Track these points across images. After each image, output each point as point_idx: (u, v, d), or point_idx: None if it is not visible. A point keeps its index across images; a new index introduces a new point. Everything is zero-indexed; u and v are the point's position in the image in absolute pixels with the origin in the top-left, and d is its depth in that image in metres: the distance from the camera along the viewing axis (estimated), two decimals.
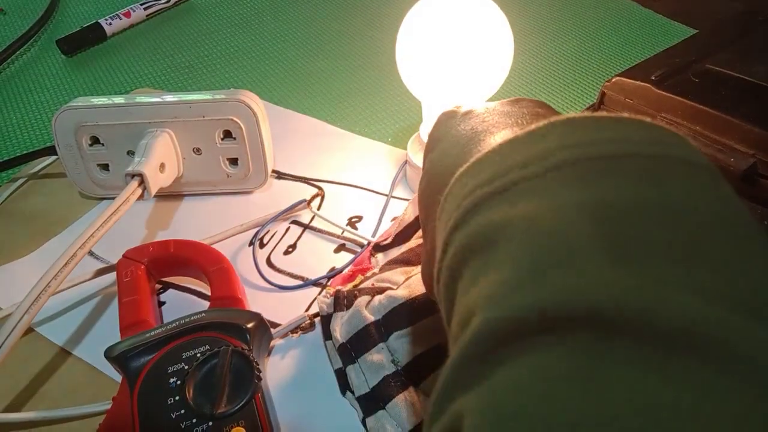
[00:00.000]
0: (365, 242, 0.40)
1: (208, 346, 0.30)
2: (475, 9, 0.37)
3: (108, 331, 0.35)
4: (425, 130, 0.42)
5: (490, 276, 0.15)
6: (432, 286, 0.24)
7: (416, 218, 0.38)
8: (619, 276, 0.13)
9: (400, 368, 0.31)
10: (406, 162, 0.44)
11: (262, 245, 0.41)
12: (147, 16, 0.68)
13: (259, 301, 0.37)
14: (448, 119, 0.27)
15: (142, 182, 0.38)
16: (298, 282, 0.38)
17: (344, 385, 0.32)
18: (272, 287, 0.38)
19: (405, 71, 0.40)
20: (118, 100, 0.41)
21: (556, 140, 0.17)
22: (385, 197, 0.43)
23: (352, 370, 0.31)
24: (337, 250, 0.40)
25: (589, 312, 0.13)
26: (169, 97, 0.41)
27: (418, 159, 0.42)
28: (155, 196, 0.39)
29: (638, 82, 0.41)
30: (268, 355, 0.34)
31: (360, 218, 0.42)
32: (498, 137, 0.21)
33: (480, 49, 0.37)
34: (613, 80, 0.42)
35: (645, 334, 0.12)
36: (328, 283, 0.37)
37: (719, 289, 0.13)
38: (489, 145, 0.21)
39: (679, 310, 0.12)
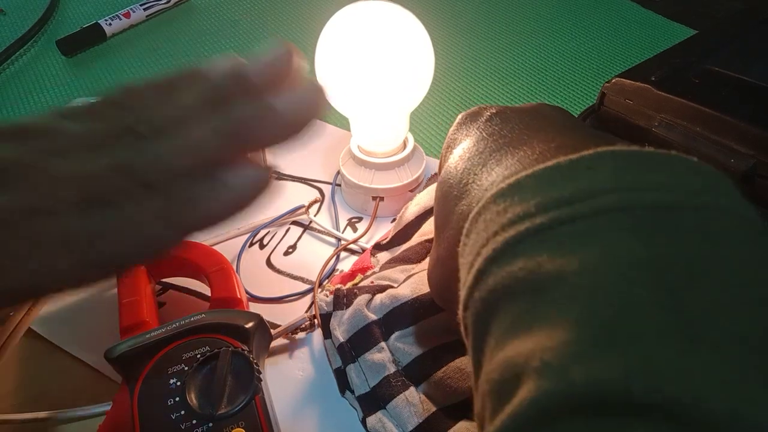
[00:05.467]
0: (365, 244, 0.40)
1: (208, 347, 0.30)
2: (389, 21, 0.35)
3: (108, 332, 0.35)
4: (355, 143, 0.42)
5: (541, 333, 0.15)
6: (445, 298, 0.23)
7: (417, 218, 0.38)
8: (697, 365, 0.13)
9: (401, 368, 0.31)
10: (338, 173, 0.43)
11: (262, 246, 0.41)
12: (147, 16, 0.68)
13: (259, 302, 0.37)
14: (468, 122, 0.26)
15: None
16: (298, 282, 0.38)
17: (343, 385, 0.32)
18: (272, 288, 0.38)
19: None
20: None
21: (603, 177, 0.16)
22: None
23: (352, 370, 0.31)
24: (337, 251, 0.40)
25: (665, 401, 0.12)
26: None
27: (349, 171, 0.42)
28: None
29: (638, 83, 0.41)
30: (268, 355, 0.34)
31: (360, 219, 0.42)
32: (527, 153, 0.21)
33: (397, 60, 0.35)
34: (613, 81, 0.42)
35: None
36: (328, 282, 0.37)
37: None
38: (519, 162, 0.20)
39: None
